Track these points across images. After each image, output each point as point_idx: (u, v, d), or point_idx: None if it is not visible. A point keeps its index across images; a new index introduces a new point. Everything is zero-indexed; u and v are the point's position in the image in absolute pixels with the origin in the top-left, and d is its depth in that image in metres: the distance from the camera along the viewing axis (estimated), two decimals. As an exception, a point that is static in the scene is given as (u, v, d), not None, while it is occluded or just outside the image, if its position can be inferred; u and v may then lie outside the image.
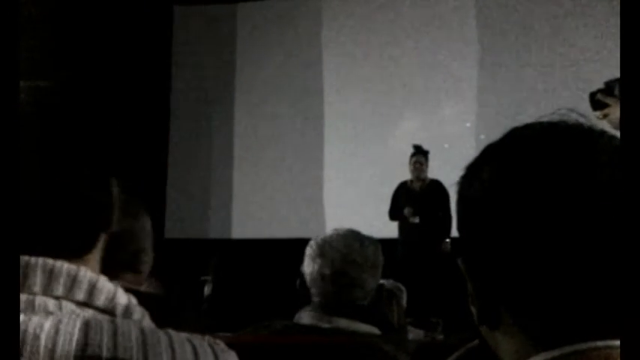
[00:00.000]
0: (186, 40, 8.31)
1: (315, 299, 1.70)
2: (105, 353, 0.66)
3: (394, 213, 6.14)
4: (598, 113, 2.83)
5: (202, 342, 0.72)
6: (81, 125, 0.77)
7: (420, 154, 6.14)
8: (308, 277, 1.72)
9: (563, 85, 6.85)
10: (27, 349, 0.65)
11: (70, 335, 0.66)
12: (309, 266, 1.72)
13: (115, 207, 0.79)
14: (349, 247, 1.71)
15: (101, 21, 7.21)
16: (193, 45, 8.28)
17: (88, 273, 0.73)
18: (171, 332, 0.71)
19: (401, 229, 6.14)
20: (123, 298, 0.75)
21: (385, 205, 6.24)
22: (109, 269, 1.48)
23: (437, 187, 5.92)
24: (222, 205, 7.90)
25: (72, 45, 6.79)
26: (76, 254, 0.74)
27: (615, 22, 6.51)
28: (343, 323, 1.62)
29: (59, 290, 0.71)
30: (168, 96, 8.24)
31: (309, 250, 1.75)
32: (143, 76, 7.63)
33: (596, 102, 2.91)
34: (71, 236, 0.74)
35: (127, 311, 0.74)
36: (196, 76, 8.22)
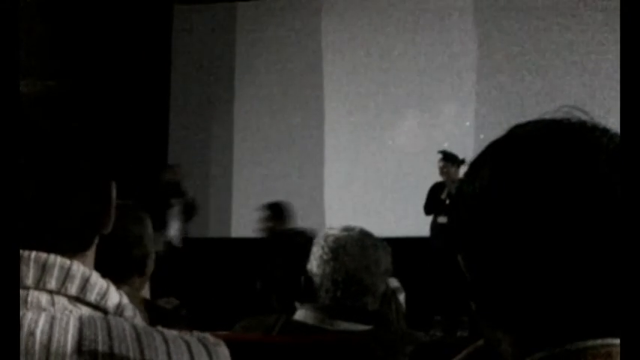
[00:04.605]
0: (186, 39, 8.30)
1: (323, 301, 1.64)
2: (101, 348, 0.66)
3: (426, 209, 6.22)
4: None
5: (192, 337, 0.72)
6: (81, 124, 0.77)
7: (443, 159, 6.15)
8: (317, 279, 1.65)
9: (563, 83, 6.86)
10: (22, 346, 0.65)
11: (65, 331, 0.66)
12: (319, 268, 1.65)
13: (111, 209, 0.79)
14: (364, 252, 1.65)
15: (101, 20, 7.20)
16: (193, 44, 8.27)
17: (81, 267, 0.73)
18: (163, 329, 0.71)
19: (432, 228, 6.21)
20: (115, 295, 0.74)
21: (385, 203, 6.25)
22: (117, 273, 1.52)
23: None
24: (221, 204, 7.90)
25: (72, 44, 6.79)
26: (71, 253, 0.74)
27: (615, 20, 6.51)
28: (347, 326, 1.59)
29: (52, 284, 0.70)
30: (167, 95, 8.23)
31: (319, 251, 1.67)
32: (142, 75, 7.63)
33: None
34: (67, 235, 0.74)
35: (119, 309, 0.74)
36: (196, 76, 8.21)
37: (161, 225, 6.75)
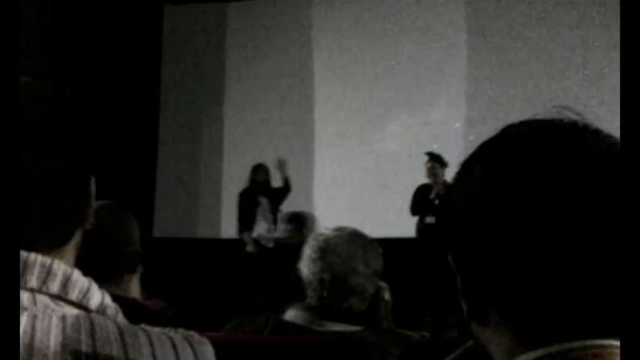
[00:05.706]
0: (177, 39, 8.28)
1: (310, 301, 1.64)
2: (84, 348, 0.65)
3: (413, 209, 6.25)
4: None
5: (177, 334, 0.72)
6: (59, 119, 0.77)
7: (432, 160, 6.18)
8: (305, 278, 1.65)
9: (554, 85, 6.88)
10: None
11: (47, 330, 0.65)
12: (307, 267, 1.65)
13: (91, 203, 0.78)
14: (351, 253, 1.64)
15: (92, 19, 7.17)
16: (183, 44, 8.25)
17: (62, 265, 0.72)
18: (147, 327, 0.71)
19: (418, 229, 6.22)
20: (97, 293, 0.74)
21: (375, 204, 6.26)
22: (107, 271, 1.52)
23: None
24: (211, 205, 7.88)
25: (64, 45, 6.75)
26: (49, 247, 0.73)
27: (606, 21, 6.55)
28: (336, 327, 1.59)
29: (33, 282, 0.70)
30: (157, 95, 8.20)
31: (308, 250, 1.67)
32: (133, 75, 7.60)
33: None
34: (45, 229, 0.73)
35: (101, 307, 0.73)
36: (186, 76, 8.19)
37: (249, 225, 6.70)
